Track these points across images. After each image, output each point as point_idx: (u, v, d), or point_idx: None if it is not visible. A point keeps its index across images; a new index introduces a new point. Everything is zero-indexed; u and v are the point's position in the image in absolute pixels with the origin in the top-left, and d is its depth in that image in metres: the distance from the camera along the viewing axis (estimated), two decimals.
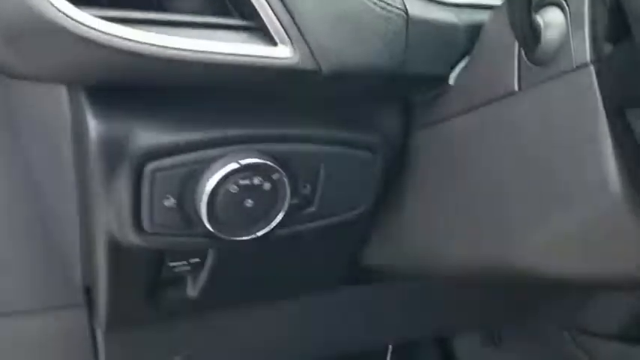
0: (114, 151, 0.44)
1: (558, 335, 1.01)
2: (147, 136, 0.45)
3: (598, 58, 0.37)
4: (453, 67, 0.51)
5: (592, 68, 0.37)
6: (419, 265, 0.61)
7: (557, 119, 0.40)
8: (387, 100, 0.55)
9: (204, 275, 0.60)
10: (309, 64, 0.44)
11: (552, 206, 0.41)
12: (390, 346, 1.22)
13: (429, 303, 0.83)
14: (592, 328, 0.94)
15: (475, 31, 0.48)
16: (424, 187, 0.55)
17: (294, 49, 0.43)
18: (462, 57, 0.50)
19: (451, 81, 0.51)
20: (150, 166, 0.45)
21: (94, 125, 0.44)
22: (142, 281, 0.57)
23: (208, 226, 0.48)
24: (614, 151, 0.37)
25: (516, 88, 0.43)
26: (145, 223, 0.48)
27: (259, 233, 0.50)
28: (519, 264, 0.45)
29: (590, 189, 0.38)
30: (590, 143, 0.38)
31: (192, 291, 0.62)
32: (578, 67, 0.38)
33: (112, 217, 0.48)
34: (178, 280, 0.61)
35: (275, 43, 0.43)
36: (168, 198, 0.47)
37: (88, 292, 0.66)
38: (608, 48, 0.37)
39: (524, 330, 1.16)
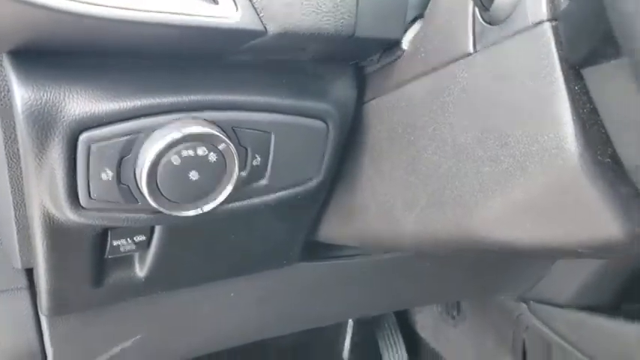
0: (44, 121, 0.41)
1: (516, 306, 1.02)
2: (80, 103, 0.41)
3: (555, 15, 0.36)
4: (405, 31, 0.49)
5: (549, 25, 0.36)
6: (376, 239, 0.59)
7: (513, 81, 0.38)
8: (340, 67, 0.53)
9: (151, 254, 0.57)
10: (254, 24, 0.41)
11: (509, 172, 0.39)
12: (351, 321, 1.22)
13: (389, 278, 0.83)
14: (549, 298, 0.95)
15: None
16: (379, 158, 0.53)
17: (237, 7, 0.40)
18: (415, 20, 0.48)
19: (404, 45, 0.49)
20: (84, 137, 0.42)
21: (20, 93, 0.40)
22: (85, 262, 0.53)
23: (150, 200, 0.45)
24: (571, 113, 0.35)
25: (471, 49, 0.41)
26: (82, 199, 0.45)
27: (206, 208, 0.47)
28: (478, 233, 0.44)
29: (547, 153, 0.37)
30: (547, 105, 0.36)
31: (140, 271, 0.59)
32: (534, 25, 0.37)
33: (46, 192, 0.45)
34: (125, 261, 0.58)
35: (216, 1, 0.40)
36: (105, 171, 0.44)
37: (30, 274, 0.63)
38: (564, 3, 0.35)
39: (482, 302, 1.18)
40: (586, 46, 0.35)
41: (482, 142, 0.40)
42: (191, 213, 0.47)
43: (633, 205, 0.35)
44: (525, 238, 0.40)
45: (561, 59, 0.36)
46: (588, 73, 0.36)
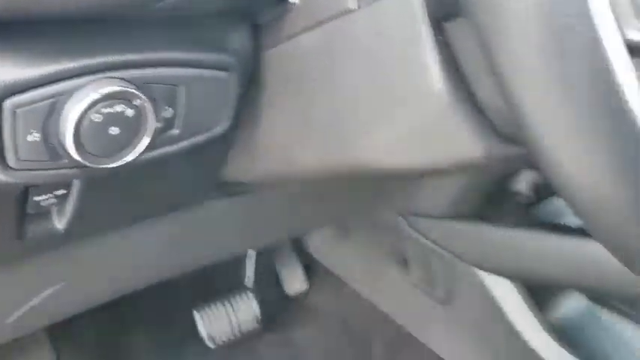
0: None
1: (396, 221, 1.12)
2: (1, 72, 0.44)
3: None
4: None
5: None
6: (277, 176, 0.66)
7: (391, 34, 0.45)
8: (236, 20, 0.57)
9: (70, 206, 0.60)
10: None
11: (390, 111, 0.47)
12: (254, 252, 1.30)
13: (285, 209, 0.90)
14: (425, 210, 1.06)
15: None
16: (278, 103, 0.59)
17: None
18: None
19: None
20: (8, 103, 0.45)
21: None
22: (9, 220, 0.56)
23: (76, 157, 0.49)
24: (437, 61, 0.43)
25: (354, 6, 0.47)
26: (10, 160, 0.48)
27: (128, 159, 0.52)
28: (366, 164, 0.52)
29: (420, 94, 0.45)
30: (418, 55, 0.44)
31: (59, 223, 0.62)
32: None
33: None
34: (44, 215, 0.61)
35: None
36: (31, 133, 0.47)
37: None
38: None
39: (368, 221, 1.28)
40: (447, 3, 0.43)
41: (368, 91, 0.48)
42: (114, 164, 0.52)
43: (488, 132, 0.45)
44: (406, 164, 0.49)
45: (428, 14, 0.43)
46: (449, 26, 0.44)
